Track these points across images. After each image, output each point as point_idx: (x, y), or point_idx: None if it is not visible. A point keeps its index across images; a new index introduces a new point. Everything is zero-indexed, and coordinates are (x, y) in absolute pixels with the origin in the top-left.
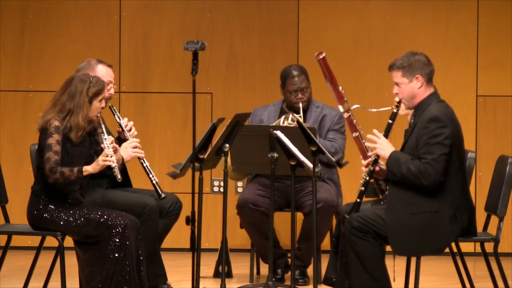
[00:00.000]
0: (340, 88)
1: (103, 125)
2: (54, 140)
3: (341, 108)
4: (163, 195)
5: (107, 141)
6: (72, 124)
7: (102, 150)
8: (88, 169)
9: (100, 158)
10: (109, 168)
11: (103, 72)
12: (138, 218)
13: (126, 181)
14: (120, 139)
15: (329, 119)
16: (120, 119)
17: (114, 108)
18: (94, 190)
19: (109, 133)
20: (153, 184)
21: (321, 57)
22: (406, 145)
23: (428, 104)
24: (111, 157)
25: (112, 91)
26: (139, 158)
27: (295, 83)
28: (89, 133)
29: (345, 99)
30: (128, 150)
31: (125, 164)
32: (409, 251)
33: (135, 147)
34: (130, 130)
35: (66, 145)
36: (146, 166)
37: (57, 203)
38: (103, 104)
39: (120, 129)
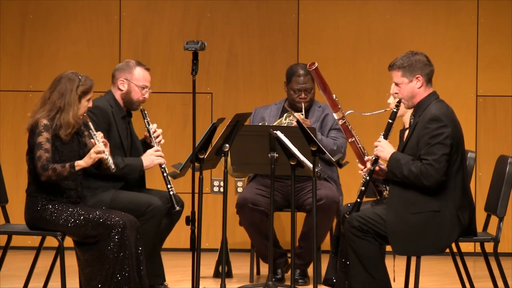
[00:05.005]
0: (334, 96)
1: (90, 123)
2: (44, 138)
3: (335, 116)
4: (177, 208)
5: (97, 136)
6: (62, 122)
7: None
8: (80, 163)
9: (92, 151)
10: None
11: (140, 75)
12: (141, 216)
13: (142, 184)
14: (146, 144)
15: (331, 118)
16: (149, 124)
17: (146, 112)
18: (106, 191)
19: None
20: (170, 196)
21: (313, 67)
22: (406, 146)
23: (428, 104)
24: (103, 152)
25: (146, 95)
26: (160, 166)
27: (300, 82)
28: (76, 132)
29: (339, 106)
30: (151, 157)
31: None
32: (409, 251)
33: (159, 156)
34: (157, 137)
35: (56, 143)
36: (166, 176)
37: (55, 203)
38: (90, 103)
39: (147, 134)
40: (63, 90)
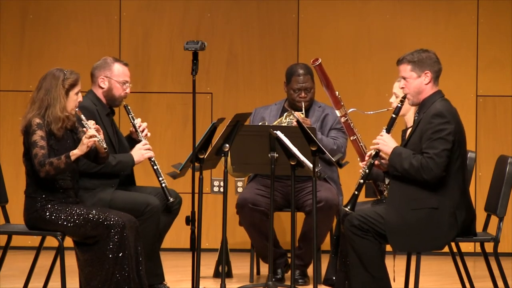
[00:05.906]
0: (337, 93)
1: (82, 115)
2: (38, 136)
3: (338, 113)
4: (171, 199)
5: (89, 124)
6: (52, 117)
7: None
8: (75, 152)
9: (84, 137)
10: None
11: (119, 71)
12: (140, 216)
13: (131, 181)
14: (132, 139)
15: (331, 118)
16: (133, 119)
17: (129, 107)
18: (105, 190)
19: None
20: (162, 188)
21: (317, 63)
22: (409, 141)
23: (433, 102)
24: (95, 136)
25: (128, 90)
26: (150, 159)
27: (300, 82)
28: (70, 129)
29: (342, 103)
30: (141, 152)
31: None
32: (407, 247)
33: (148, 149)
34: (143, 131)
35: (50, 141)
36: (157, 168)
37: (54, 203)
38: (80, 98)
39: (133, 129)
40: (49, 86)
